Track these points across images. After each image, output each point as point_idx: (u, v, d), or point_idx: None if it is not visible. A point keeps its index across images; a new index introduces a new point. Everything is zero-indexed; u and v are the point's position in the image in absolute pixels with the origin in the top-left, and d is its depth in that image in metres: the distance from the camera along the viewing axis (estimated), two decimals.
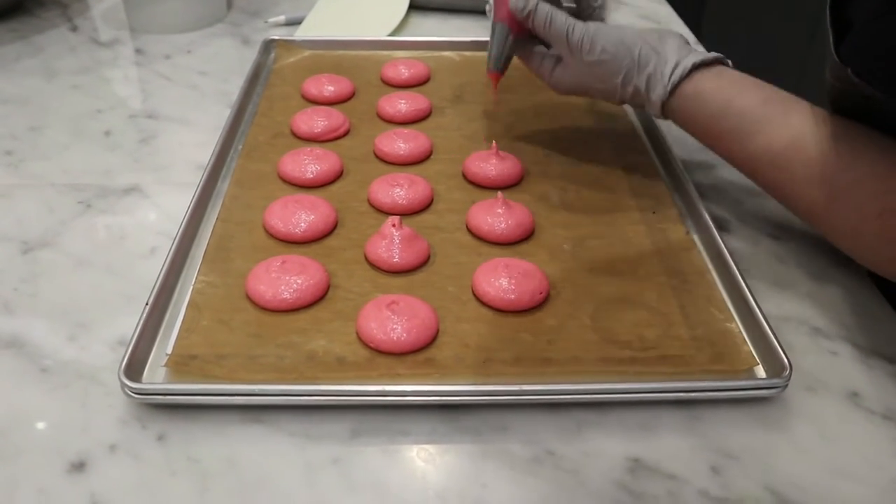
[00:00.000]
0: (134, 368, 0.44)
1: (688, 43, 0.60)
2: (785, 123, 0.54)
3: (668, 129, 0.69)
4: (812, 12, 0.54)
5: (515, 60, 0.66)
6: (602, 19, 0.68)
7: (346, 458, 0.43)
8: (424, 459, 0.43)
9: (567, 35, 0.60)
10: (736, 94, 0.56)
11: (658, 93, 0.58)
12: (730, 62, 0.59)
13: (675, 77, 0.57)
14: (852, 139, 0.52)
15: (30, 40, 0.88)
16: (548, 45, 0.64)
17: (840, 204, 0.52)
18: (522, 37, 0.64)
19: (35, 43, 0.88)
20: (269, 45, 0.83)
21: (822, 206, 0.53)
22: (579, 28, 0.60)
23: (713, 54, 0.58)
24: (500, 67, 0.65)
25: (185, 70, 0.83)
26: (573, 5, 0.68)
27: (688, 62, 0.57)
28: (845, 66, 0.49)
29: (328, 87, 0.75)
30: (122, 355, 0.44)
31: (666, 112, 0.60)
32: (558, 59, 0.63)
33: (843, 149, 0.51)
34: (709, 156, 0.70)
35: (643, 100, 0.60)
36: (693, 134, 0.60)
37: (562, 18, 0.61)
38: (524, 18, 0.62)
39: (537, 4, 0.61)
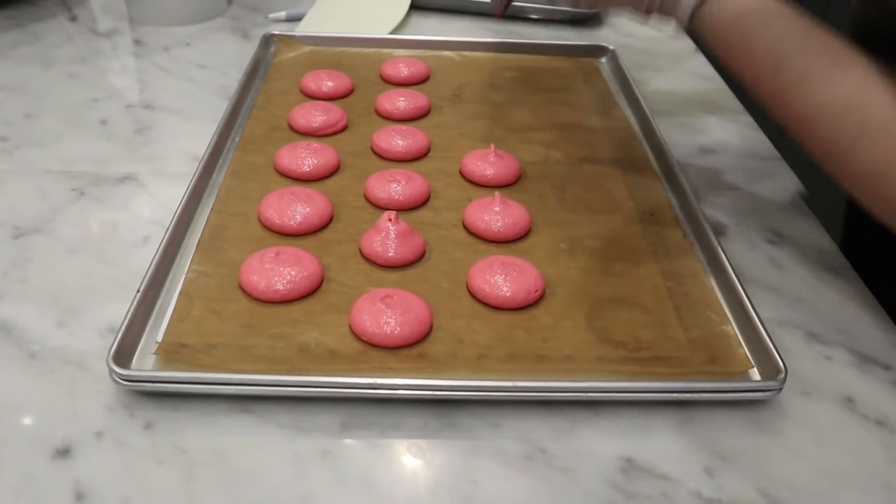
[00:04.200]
0: (123, 355, 0.44)
1: None
2: (819, 52, 0.49)
3: (666, 131, 0.69)
4: None
5: None
6: None
7: (335, 451, 0.42)
8: (415, 454, 0.42)
9: None
10: (775, 14, 0.50)
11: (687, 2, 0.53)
12: None
13: None
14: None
15: (27, 28, 0.88)
16: None
17: (870, 141, 0.46)
18: None
19: (33, 31, 0.87)
20: (268, 40, 0.83)
21: (850, 139, 0.47)
22: None
23: None
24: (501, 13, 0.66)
25: (184, 62, 0.83)
26: None
27: None
28: None
29: (327, 82, 0.74)
30: (112, 342, 0.44)
31: (694, 23, 0.54)
32: None
33: (883, 87, 0.46)
34: (706, 160, 0.70)
35: (668, 11, 0.55)
36: (718, 54, 0.54)
37: None
38: None
39: None
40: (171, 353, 0.45)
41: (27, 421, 0.43)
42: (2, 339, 0.47)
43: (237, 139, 0.67)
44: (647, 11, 0.56)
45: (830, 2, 0.55)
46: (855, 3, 0.52)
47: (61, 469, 0.40)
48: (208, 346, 0.46)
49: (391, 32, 0.90)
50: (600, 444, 0.43)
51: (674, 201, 0.62)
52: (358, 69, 0.79)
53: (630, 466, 0.42)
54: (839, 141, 0.48)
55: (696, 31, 0.55)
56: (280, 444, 0.42)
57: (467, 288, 0.51)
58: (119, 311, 0.46)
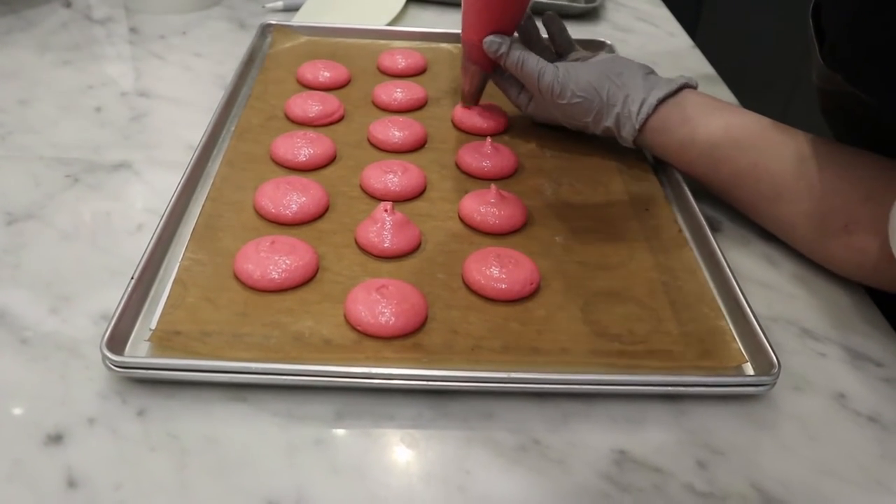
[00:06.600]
0: (116, 342, 0.44)
1: (652, 72, 0.63)
2: (749, 146, 0.56)
3: None
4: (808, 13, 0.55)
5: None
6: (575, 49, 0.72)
7: (329, 440, 0.42)
8: (409, 444, 0.42)
9: (538, 79, 0.62)
10: (700, 123, 0.58)
11: (627, 130, 0.61)
12: (695, 82, 0.61)
13: (643, 115, 0.60)
14: (814, 156, 0.53)
15: (21, 14, 0.87)
16: None
17: (806, 219, 0.54)
18: (498, 70, 0.67)
19: (27, 17, 0.87)
20: (265, 30, 0.83)
21: (789, 222, 0.55)
22: (549, 72, 0.62)
23: (677, 81, 0.60)
24: (474, 103, 0.69)
25: (180, 51, 0.82)
26: (550, 46, 0.72)
27: (652, 99, 0.60)
28: (833, 72, 0.50)
29: (324, 72, 0.74)
30: (105, 328, 0.43)
31: (637, 144, 0.63)
32: (532, 95, 0.66)
33: (805, 167, 0.53)
34: None
35: (615, 135, 0.63)
36: (665, 161, 0.63)
37: (533, 62, 0.62)
38: (497, 59, 0.63)
39: (510, 47, 0.63)
40: (164, 340, 0.45)
41: (19, 407, 0.43)
42: None
43: (233, 128, 0.66)
44: (593, 134, 0.65)
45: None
46: (815, 79, 0.57)
47: (53, 455, 0.40)
48: (202, 333, 0.45)
49: (388, 24, 0.90)
50: (594, 436, 0.43)
51: (670, 196, 0.62)
52: (355, 60, 0.79)
53: (623, 459, 0.42)
54: (781, 224, 0.57)
55: (638, 145, 0.64)
56: (273, 432, 0.42)
57: (462, 279, 0.51)
58: (112, 297, 0.46)
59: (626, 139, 0.62)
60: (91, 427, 0.41)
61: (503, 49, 0.63)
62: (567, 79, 0.62)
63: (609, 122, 0.62)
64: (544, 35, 0.72)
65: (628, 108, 0.60)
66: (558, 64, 0.63)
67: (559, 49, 0.72)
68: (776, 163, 0.55)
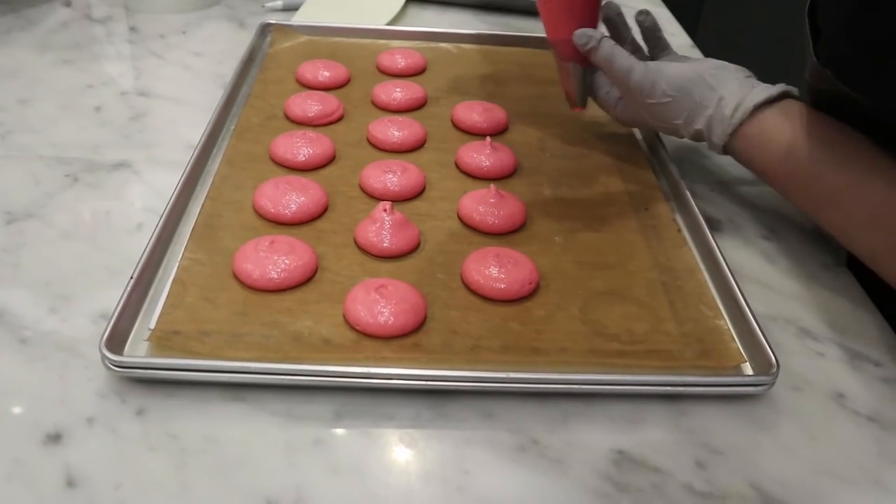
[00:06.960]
0: (115, 341, 0.44)
1: (750, 76, 0.58)
2: (847, 166, 0.52)
3: None
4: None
5: None
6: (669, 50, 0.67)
7: (328, 439, 0.42)
8: (408, 444, 0.42)
9: (627, 76, 0.59)
10: (798, 135, 0.54)
11: (718, 135, 0.57)
12: (797, 91, 0.57)
13: (736, 119, 0.56)
14: None
15: (21, 14, 0.87)
16: None
17: None
18: (590, 66, 0.63)
19: (27, 16, 0.87)
20: (265, 29, 0.83)
21: (883, 250, 0.51)
22: (639, 70, 0.59)
23: (777, 88, 0.56)
24: (583, 104, 0.66)
25: (180, 50, 0.82)
26: (643, 46, 0.68)
27: (749, 103, 0.55)
28: (826, 69, 0.49)
29: (324, 72, 0.74)
30: (104, 328, 0.43)
31: (728, 151, 0.58)
32: (621, 94, 0.63)
33: None
34: (701, 156, 0.70)
35: (705, 139, 0.59)
36: (755, 173, 0.58)
37: (623, 59, 0.59)
38: (586, 53, 0.60)
39: (600, 40, 0.60)
40: (163, 339, 0.45)
41: (18, 406, 0.43)
42: None
43: (232, 127, 0.66)
44: (682, 138, 0.61)
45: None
46: (807, 77, 0.55)
47: (52, 455, 0.40)
48: (201, 333, 0.45)
49: (388, 23, 0.90)
50: (593, 436, 0.43)
51: (669, 196, 0.62)
52: (354, 60, 0.79)
53: (622, 459, 0.42)
54: (875, 252, 0.51)
55: (729, 153, 0.59)
56: (272, 432, 0.42)
57: (461, 279, 0.51)
58: (112, 297, 0.46)
59: (716, 145, 0.58)
60: (90, 427, 0.41)
61: (593, 43, 0.59)
62: (658, 76, 0.58)
63: (700, 125, 0.58)
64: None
65: (721, 111, 0.56)
66: (649, 62, 0.60)
67: (652, 51, 0.67)
68: (875, 188, 0.50)
